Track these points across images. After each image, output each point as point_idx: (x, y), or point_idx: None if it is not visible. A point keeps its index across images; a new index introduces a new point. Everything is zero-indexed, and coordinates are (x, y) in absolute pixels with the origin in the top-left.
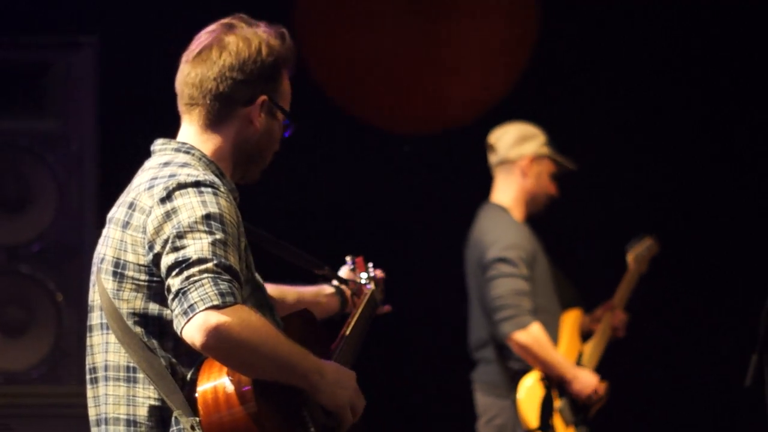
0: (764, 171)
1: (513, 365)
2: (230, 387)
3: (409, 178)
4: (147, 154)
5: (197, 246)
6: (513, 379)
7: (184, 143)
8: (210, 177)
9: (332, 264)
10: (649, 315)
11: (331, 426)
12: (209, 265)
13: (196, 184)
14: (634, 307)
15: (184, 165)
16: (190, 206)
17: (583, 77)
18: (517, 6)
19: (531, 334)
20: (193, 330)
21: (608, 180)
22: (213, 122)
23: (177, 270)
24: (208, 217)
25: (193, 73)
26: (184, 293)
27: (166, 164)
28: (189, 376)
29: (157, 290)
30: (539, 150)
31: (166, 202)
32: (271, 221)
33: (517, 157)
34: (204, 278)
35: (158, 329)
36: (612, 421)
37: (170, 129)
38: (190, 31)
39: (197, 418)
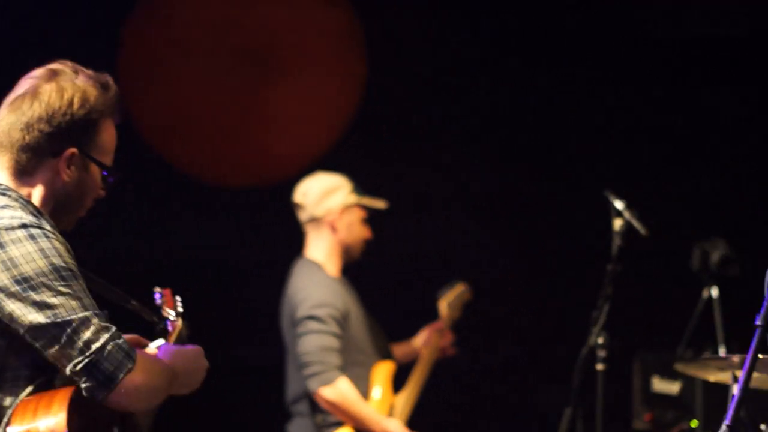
0: (574, 233)
1: (326, 418)
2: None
3: (233, 229)
4: None
5: (66, 305)
6: None
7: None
8: (33, 218)
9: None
10: (462, 366)
11: None
12: (95, 322)
13: (24, 227)
14: (446, 359)
15: (5, 207)
16: (30, 257)
17: (406, 128)
18: (343, 61)
19: (337, 390)
20: (116, 402)
21: (425, 227)
22: (22, 171)
23: (60, 333)
24: (57, 270)
25: (4, 121)
26: (94, 365)
27: None
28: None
29: None
30: (346, 201)
31: None
32: (90, 265)
33: (325, 212)
34: (104, 341)
35: None
36: None
37: None
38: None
39: None
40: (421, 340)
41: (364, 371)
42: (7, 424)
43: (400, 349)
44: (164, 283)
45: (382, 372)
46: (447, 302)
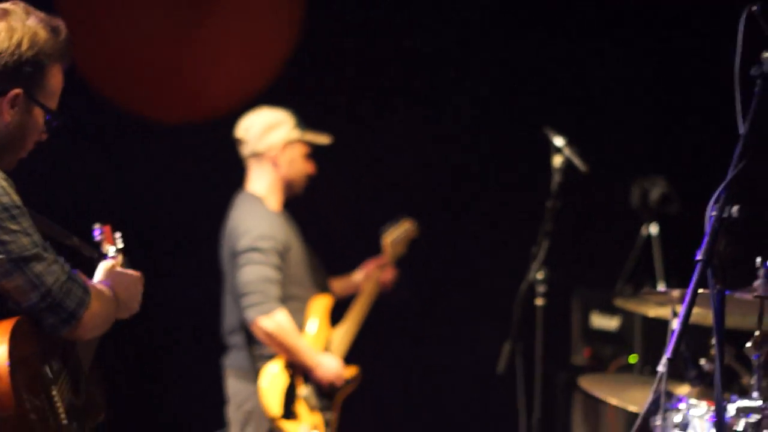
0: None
1: (262, 351)
2: None
3: (173, 167)
4: None
5: (18, 242)
6: (261, 364)
7: None
8: None
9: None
10: (404, 300)
11: (77, 402)
12: (47, 257)
13: None
14: (389, 296)
15: None
16: None
17: (345, 64)
18: None
19: (275, 321)
20: (78, 334)
21: (367, 162)
22: None
23: (14, 268)
24: (6, 209)
25: None
26: (58, 304)
27: None
28: None
29: None
30: (288, 136)
31: None
32: (34, 206)
33: (267, 148)
34: (58, 276)
35: None
36: (365, 404)
37: None
38: None
39: None
40: (361, 274)
41: (301, 305)
42: None
43: (339, 284)
44: (103, 220)
45: (320, 306)
46: (391, 238)
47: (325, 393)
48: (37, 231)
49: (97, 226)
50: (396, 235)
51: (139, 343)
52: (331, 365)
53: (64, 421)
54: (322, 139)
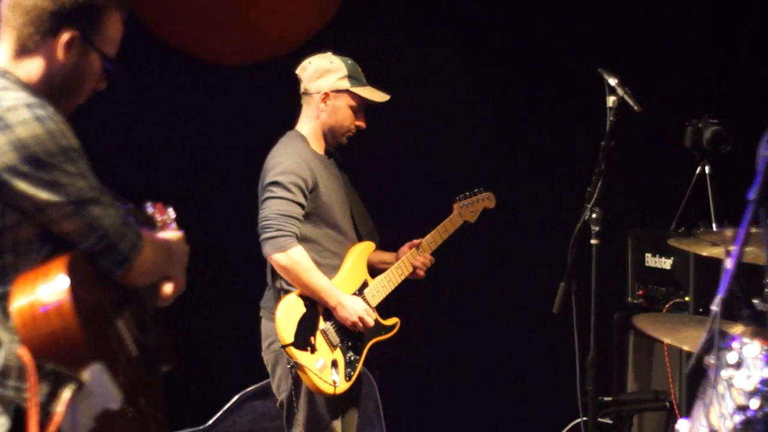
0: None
1: (283, 286)
2: (48, 302)
3: (226, 108)
4: None
5: (76, 184)
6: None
7: None
8: (35, 99)
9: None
10: (455, 247)
11: (146, 342)
12: (103, 200)
13: (28, 107)
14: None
15: (5, 89)
16: (38, 139)
17: (397, 13)
18: None
19: (291, 257)
20: (131, 278)
21: (421, 109)
22: (23, 48)
23: (73, 210)
24: (65, 151)
25: None
26: (114, 246)
27: None
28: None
29: None
30: (336, 84)
31: (5, 129)
32: (91, 154)
33: (315, 90)
34: (118, 222)
35: None
36: (413, 349)
37: None
38: None
39: (16, 336)
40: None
41: (339, 247)
42: (7, 297)
43: (381, 255)
44: (159, 163)
45: (359, 250)
46: (462, 204)
47: (352, 333)
48: (93, 175)
49: (148, 204)
50: (468, 202)
51: (190, 293)
52: (353, 306)
53: (134, 353)
54: (377, 96)
